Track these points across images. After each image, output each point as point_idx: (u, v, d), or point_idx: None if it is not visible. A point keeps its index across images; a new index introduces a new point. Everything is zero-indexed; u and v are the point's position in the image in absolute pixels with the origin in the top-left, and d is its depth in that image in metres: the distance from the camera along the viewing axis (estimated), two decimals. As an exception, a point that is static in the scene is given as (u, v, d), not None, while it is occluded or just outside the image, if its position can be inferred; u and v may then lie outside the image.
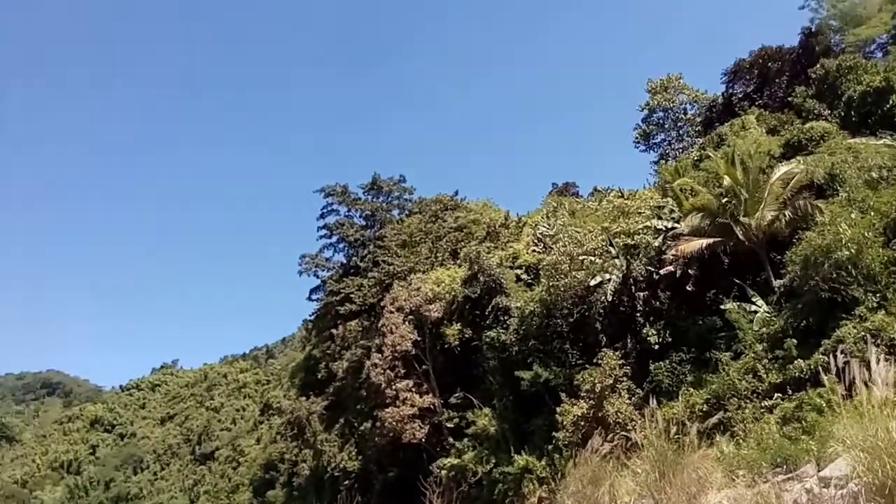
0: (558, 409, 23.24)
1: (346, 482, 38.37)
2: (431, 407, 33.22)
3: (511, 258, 32.36)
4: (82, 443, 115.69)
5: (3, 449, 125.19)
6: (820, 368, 13.76)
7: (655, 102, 45.06)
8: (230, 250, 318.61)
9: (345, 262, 49.37)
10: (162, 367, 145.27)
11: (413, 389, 33.35)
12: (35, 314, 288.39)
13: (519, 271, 31.18)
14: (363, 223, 50.00)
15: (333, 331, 45.23)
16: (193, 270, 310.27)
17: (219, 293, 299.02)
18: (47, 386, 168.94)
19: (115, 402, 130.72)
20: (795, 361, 17.27)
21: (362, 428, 38.42)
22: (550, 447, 23.56)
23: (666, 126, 45.52)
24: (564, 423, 22.78)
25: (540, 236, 31.91)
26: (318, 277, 49.72)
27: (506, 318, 28.69)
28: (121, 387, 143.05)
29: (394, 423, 32.30)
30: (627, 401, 22.27)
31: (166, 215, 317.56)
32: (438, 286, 34.45)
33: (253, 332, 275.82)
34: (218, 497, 77.51)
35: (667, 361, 22.12)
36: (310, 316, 52.55)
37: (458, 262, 36.58)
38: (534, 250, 31.80)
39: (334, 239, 49.44)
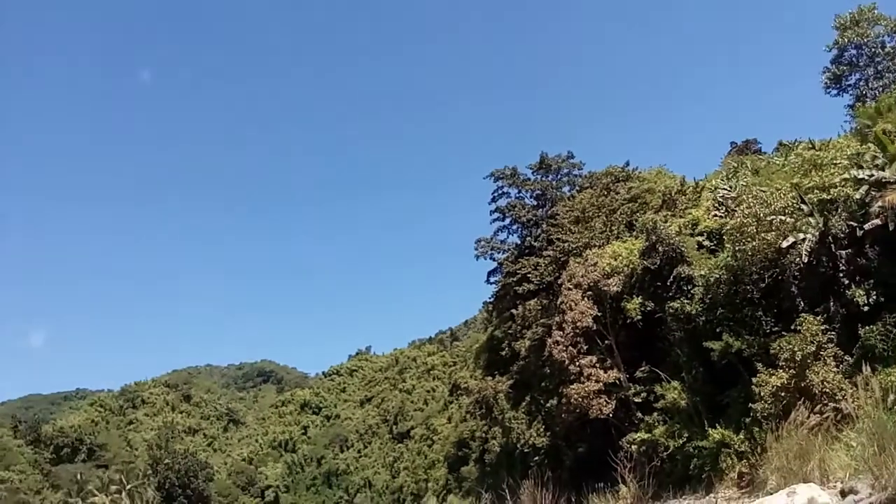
0: (754, 380, 21.97)
1: (536, 458, 38.92)
2: (617, 382, 32.68)
3: (690, 225, 30.83)
4: (295, 424, 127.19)
5: (231, 431, 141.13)
6: None
7: (846, 39, 40.44)
8: (407, 237, 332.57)
9: (519, 242, 49.77)
10: (357, 353, 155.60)
11: (596, 365, 32.99)
12: (250, 309, 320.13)
13: (700, 238, 29.64)
14: (534, 203, 50.02)
15: (513, 311, 45.81)
16: (379, 259, 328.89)
17: (404, 280, 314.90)
18: (262, 374, 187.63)
19: (320, 386, 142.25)
20: None
21: (548, 405, 38.67)
22: (748, 420, 22.37)
23: (861, 64, 40.73)
24: (762, 394, 21.50)
25: (721, 199, 30.09)
26: (494, 260, 50.62)
27: (689, 287, 27.48)
28: (323, 373, 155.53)
29: (579, 400, 32.18)
30: (834, 369, 20.61)
31: (354, 206, 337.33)
32: (615, 260, 33.70)
33: (437, 316, 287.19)
34: (416, 472, 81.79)
35: (880, 324, 20.12)
36: (489, 298, 53.72)
37: (635, 233, 35.49)
38: (715, 215, 30.07)
39: (507, 221, 49.98)
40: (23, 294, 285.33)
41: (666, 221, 31.24)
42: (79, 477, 72.65)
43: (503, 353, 47.19)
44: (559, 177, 50.38)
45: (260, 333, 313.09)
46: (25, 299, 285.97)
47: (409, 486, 77.90)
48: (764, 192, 24.29)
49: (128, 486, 73.12)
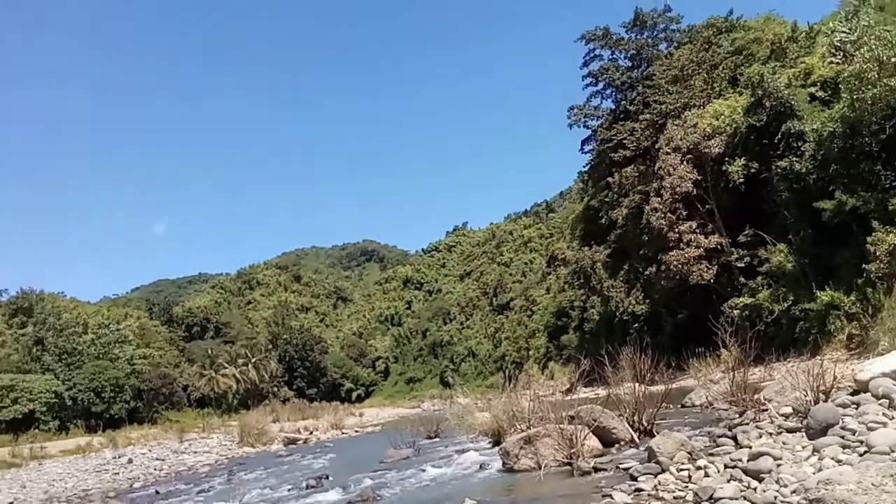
0: (869, 239, 20.73)
1: (635, 325, 39.15)
2: (718, 247, 31.75)
3: (802, 75, 28.30)
4: (399, 300, 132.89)
5: (340, 308, 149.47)
6: None
7: None
8: (500, 109, 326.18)
9: (613, 107, 47.71)
10: (454, 229, 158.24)
11: (697, 231, 32.05)
12: (352, 191, 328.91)
13: (813, 89, 27.26)
14: (629, 64, 47.31)
15: (609, 179, 44.72)
16: (472, 133, 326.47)
17: (499, 154, 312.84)
18: (365, 254, 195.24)
19: (420, 263, 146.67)
20: None
21: (647, 272, 38.33)
22: (860, 281, 21.33)
23: None
24: (878, 253, 20.32)
25: (838, 44, 27.21)
26: (588, 128, 48.96)
27: (799, 144, 25.66)
28: (423, 250, 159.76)
29: (679, 266, 31.64)
30: (959, 224, 19.08)
31: (448, 83, 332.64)
32: (717, 119, 31.76)
33: (532, 189, 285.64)
34: (517, 342, 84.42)
35: None
36: (584, 167, 52.54)
37: (738, 89, 33.08)
38: (830, 62, 27.38)
39: (600, 86, 47.77)
40: (144, 188, 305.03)
41: (774, 73, 28.81)
42: (210, 352, 79.83)
43: (600, 222, 46.60)
44: (655, 34, 47.09)
45: (361, 214, 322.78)
46: (147, 193, 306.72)
47: (511, 354, 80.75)
48: (889, 31, 21.76)
49: (253, 360, 79.85)
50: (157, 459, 26.81)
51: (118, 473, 23.11)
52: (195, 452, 28.64)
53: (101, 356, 56.21)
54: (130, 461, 26.73)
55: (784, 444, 7.82)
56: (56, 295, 68.23)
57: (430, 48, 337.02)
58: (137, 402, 56.44)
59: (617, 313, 42.19)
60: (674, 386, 14.59)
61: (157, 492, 16.79)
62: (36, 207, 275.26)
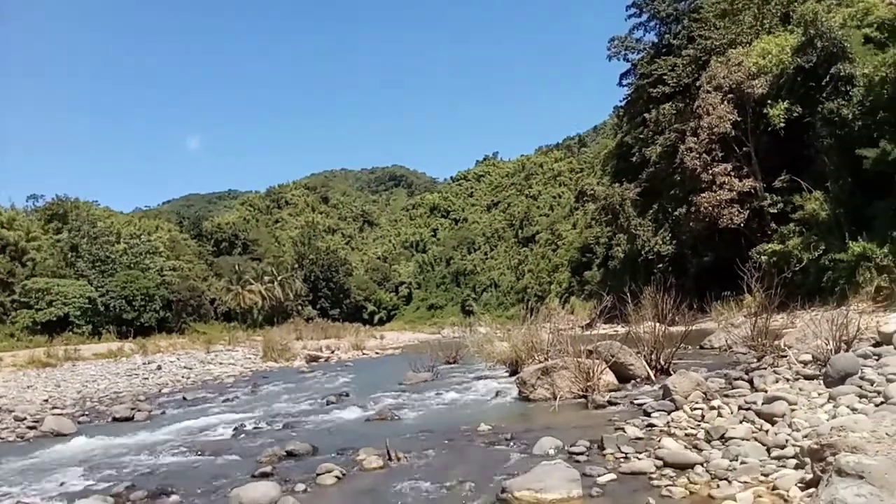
0: (908, 191, 20.23)
1: (660, 265, 38.94)
2: (752, 191, 31.20)
3: (860, 15, 26.99)
4: (425, 227, 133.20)
5: (366, 231, 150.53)
6: None
7: None
8: (536, 37, 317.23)
9: (656, 41, 46.17)
10: (484, 159, 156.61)
11: (731, 173, 31.46)
12: (380, 115, 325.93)
13: (868, 30, 26.01)
14: (676, -5, 45.48)
15: (645, 115, 43.71)
16: (507, 61, 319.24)
17: (532, 83, 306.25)
18: (393, 179, 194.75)
19: (448, 191, 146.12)
20: None
21: (676, 213, 37.86)
22: (895, 233, 20.94)
23: None
24: (916, 206, 19.86)
25: (901, -17, 25.90)
26: (627, 61, 47.59)
27: (848, 88, 24.75)
28: (451, 178, 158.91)
29: (710, 208, 31.23)
30: None
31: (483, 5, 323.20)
32: (764, 58, 30.63)
33: (564, 121, 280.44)
34: (540, 275, 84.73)
35: None
36: (620, 101, 51.40)
37: (790, 27, 31.72)
38: (891, 3, 26.09)
39: (644, 17, 46.12)
40: (181, 100, 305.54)
41: (829, 12, 27.53)
42: (237, 267, 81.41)
43: (632, 159, 45.84)
44: (706, -37, 44.95)
45: (391, 138, 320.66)
46: (183, 106, 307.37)
47: (533, 287, 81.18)
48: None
49: (279, 277, 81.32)
50: (185, 368, 27.79)
51: (147, 378, 24.04)
52: (221, 364, 29.61)
53: (132, 266, 57.62)
54: (159, 368, 27.75)
55: (800, 390, 7.88)
56: (90, 203, 69.50)
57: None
58: (166, 312, 58.08)
59: (642, 252, 41.90)
60: (694, 327, 14.65)
61: (185, 398, 17.48)
62: (72, 115, 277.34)
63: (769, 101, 29.43)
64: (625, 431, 7.42)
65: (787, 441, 5.80)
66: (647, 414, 8.28)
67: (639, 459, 6.18)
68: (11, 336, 44.34)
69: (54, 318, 47.54)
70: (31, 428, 13.01)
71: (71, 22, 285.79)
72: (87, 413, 15.41)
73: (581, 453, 6.73)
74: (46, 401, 18.41)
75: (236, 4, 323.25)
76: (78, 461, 9.17)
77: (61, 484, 7.76)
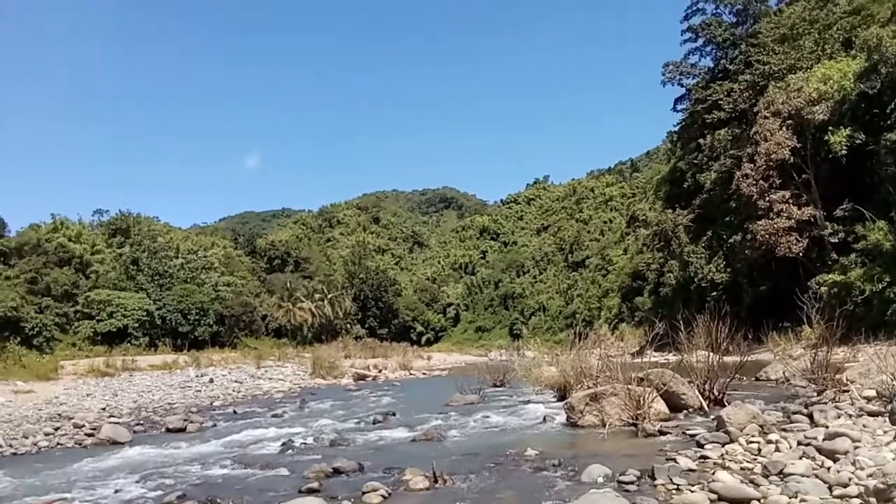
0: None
1: (713, 293, 37.98)
2: (811, 219, 30.30)
3: (927, 41, 26.20)
4: (474, 249, 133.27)
5: (416, 252, 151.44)
6: None
7: None
8: (589, 61, 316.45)
9: (712, 66, 45.58)
10: (535, 182, 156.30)
11: (789, 201, 30.63)
12: (428, 134, 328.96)
13: (937, 57, 25.25)
14: (733, 20, 44.85)
15: (700, 141, 43.07)
16: (559, 85, 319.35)
17: (584, 107, 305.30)
18: (444, 200, 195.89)
19: (498, 214, 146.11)
20: None
21: (731, 240, 36.99)
22: (965, 266, 20.02)
23: None
24: None
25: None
26: (682, 86, 47.08)
27: (914, 115, 23.96)
28: (501, 201, 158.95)
29: (766, 236, 30.43)
30: None
31: (538, 28, 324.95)
32: (825, 84, 29.89)
33: (617, 146, 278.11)
34: (589, 300, 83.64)
35: None
36: (674, 127, 50.79)
37: (852, 53, 30.94)
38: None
39: (700, 42, 45.60)
40: (242, 119, 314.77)
41: (894, 37, 26.77)
42: (288, 284, 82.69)
43: (686, 185, 45.11)
44: (766, -13, 44.37)
45: (441, 160, 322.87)
46: (243, 124, 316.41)
47: (582, 312, 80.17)
48: None
49: (329, 296, 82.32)
50: (235, 382, 28.32)
51: (200, 391, 24.57)
52: (270, 379, 30.08)
53: (188, 280, 59.25)
54: (211, 381, 28.34)
55: (864, 426, 7.57)
56: (151, 219, 71.86)
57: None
58: (219, 327, 59.39)
59: (695, 279, 40.99)
60: (749, 358, 14.24)
61: (235, 411, 17.80)
62: (135, 131, 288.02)
63: (830, 128, 28.66)
64: (677, 462, 7.23)
65: (850, 479, 5.57)
66: (700, 445, 8.06)
67: (692, 492, 6.01)
68: (73, 345, 46.00)
69: (114, 329, 49.12)
70: (88, 435, 13.42)
71: (131, 43, 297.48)
72: (141, 423, 15.82)
73: (631, 483, 6.59)
74: (104, 409, 18.97)
75: (295, 26, 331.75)
76: (132, 469, 9.42)
77: (116, 491, 7.98)
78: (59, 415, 17.29)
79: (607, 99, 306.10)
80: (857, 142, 27.36)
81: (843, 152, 27.62)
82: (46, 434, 13.62)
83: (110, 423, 14.76)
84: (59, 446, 12.63)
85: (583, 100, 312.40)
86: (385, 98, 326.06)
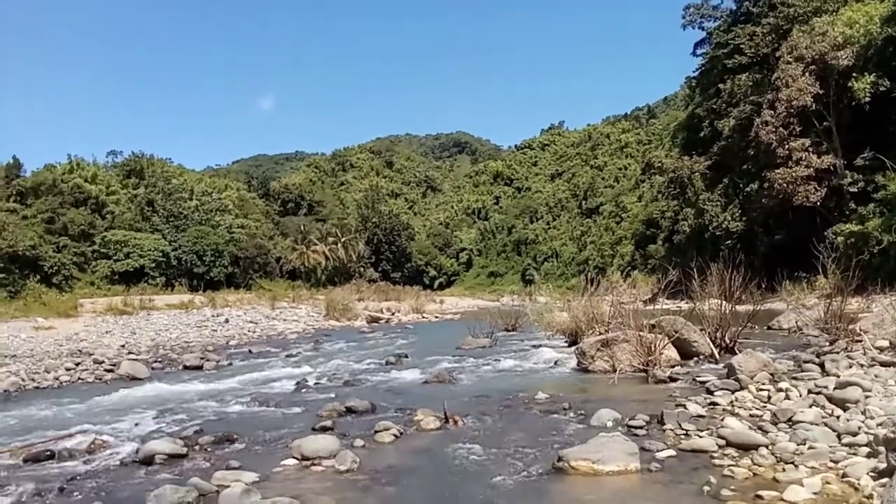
0: None
1: (728, 242, 37.74)
2: (830, 168, 29.83)
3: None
4: (488, 194, 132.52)
5: (429, 196, 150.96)
6: None
7: None
8: (606, 5, 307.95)
9: (734, 8, 44.24)
10: (550, 127, 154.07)
11: (809, 149, 30.11)
12: (443, 78, 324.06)
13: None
14: (760, -42, 43.30)
15: (720, 86, 42.09)
16: (575, 29, 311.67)
17: (601, 51, 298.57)
18: (458, 145, 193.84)
19: (512, 159, 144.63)
20: None
21: (748, 189, 36.57)
22: None
23: None
24: None
25: None
26: (703, 29, 45.90)
27: (944, 61, 23.24)
28: (516, 146, 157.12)
29: (784, 185, 30.05)
30: None
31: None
32: (850, 28, 28.98)
33: (634, 91, 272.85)
34: (602, 247, 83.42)
35: None
36: (693, 72, 49.67)
37: (883, -5, 29.88)
38: None
39: (723, -18, 44.21)
40: (257, 62, 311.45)
41: (927, -21, 25.78)
42: (302, 227, 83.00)
43: (703, 132, 44.34)
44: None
45: (456, 105, 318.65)
46: (258, 66, 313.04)
47: (595, 259, 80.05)
48: None
49: (342, 239, 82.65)
50: (251, 322, 28.75)
51: (216, 331, 25.00)
52: (285, 320, 30.50)
53: (203, 222, 59.57)
54: (227, 321, 28.78)
55: (876, 376, 7.58)
56: (164, 161, 71.81)
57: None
58: (234, 269, 59.97)
59: (710, 228, 40.67)
60: (762, 307, 14.22)
61: (251, 351, 18.11)
62: (149, 73, 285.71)
63: (854, 74, 27.92)
64: (686, 408, 7.30)
65: (859, 428, 5.61)
66: (710, 392, 8.12)
67: (700, 437, 6.08)
68: (92, 284, 46.70)
69: (131, 269, 49.73)
70: (108, 371, 13.74)
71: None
72: (159, 360, 16.16)
73: (640, 427, 6.67)
74: (123, 346, 19.38)
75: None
76: (150, 404, 9.65)
77: (136, 425, 8.19)
78: (80, 351, 17.68)
79: (625, 43, 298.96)
80: (882, 89, 26.68)
81: (867, 99, 26.98)
82: (67, 369, 13.95)
83: (129, 359, 15.08)
84: (80, 381, 12.94)
85: (600, 45, 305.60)
86: (399, 43, 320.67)
